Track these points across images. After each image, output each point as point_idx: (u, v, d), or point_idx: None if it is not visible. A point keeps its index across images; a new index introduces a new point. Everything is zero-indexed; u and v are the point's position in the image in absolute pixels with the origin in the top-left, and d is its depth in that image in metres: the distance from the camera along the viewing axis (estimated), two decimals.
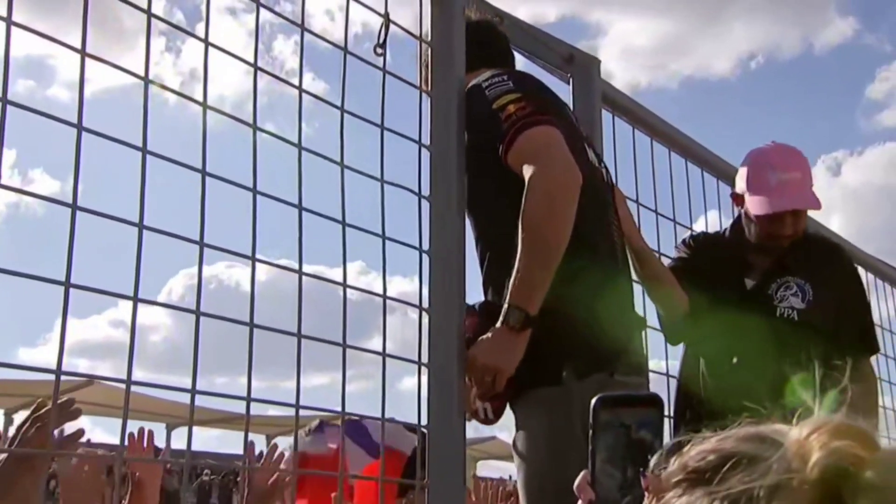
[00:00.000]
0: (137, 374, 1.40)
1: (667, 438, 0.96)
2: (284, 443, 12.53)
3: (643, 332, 2.30)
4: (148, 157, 1.46)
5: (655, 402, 0.99)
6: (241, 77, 1.71)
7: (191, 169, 1.54)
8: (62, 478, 1.94)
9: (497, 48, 2.36)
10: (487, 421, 2.07)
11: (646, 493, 0.75)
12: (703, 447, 0.72)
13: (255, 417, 1.58)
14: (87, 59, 1.40)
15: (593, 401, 0.95)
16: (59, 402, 1.69)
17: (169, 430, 17.88)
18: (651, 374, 2.47)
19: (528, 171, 1.98)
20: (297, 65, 1.81)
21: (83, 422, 1.77)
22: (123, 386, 1.42)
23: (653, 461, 0.81)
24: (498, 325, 1.97)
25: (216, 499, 17.26)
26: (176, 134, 1.51)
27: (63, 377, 1.37)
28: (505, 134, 2.02)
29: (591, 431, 0.95)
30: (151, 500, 2.22)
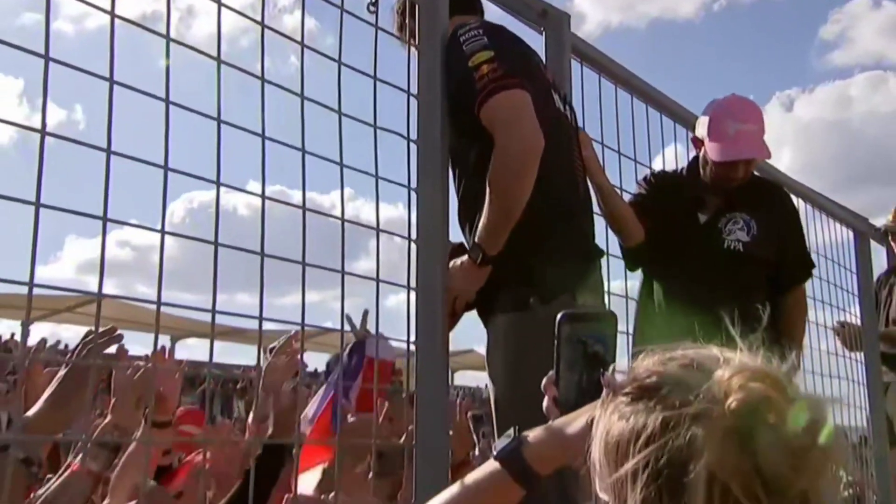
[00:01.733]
0: (142, 290, 1.55)
1: (622, 352, 1.10)
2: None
3: (602, 260, 2.43)
4: (154, 93, 1.55)
5: (610, 318, 1.12)
6: (234, 13, 1.78)
7: (207, 117, 1.64)
8: (116, 383, 2.12)
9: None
10: None
11: (605, 388, 0.87)
12: (651, 364, 0.84)
13: (252, 331, 1.72)
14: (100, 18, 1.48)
15: (558, 315, 1.08)
16: (103, 329, 1.87)
17: (173, 341, 18.12)
18: (612, 296, 2.60)
19: (497, 134, 2.10)
20: (289, 1, 1.88)
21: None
22: (129, 302, 1.54)
23: (610, 370, 0.94)
24: (465, 257, 2.15)
25: (218, 407, 17.52)
26: (173, 69, 1.61)
27: (72, 294, 1.49)
28: (478, 94, 2.11)
29: (555, 342, 1.09)
30: (172, 405, 2.42)
